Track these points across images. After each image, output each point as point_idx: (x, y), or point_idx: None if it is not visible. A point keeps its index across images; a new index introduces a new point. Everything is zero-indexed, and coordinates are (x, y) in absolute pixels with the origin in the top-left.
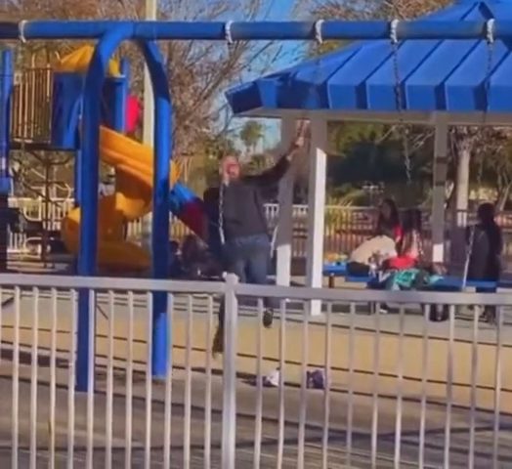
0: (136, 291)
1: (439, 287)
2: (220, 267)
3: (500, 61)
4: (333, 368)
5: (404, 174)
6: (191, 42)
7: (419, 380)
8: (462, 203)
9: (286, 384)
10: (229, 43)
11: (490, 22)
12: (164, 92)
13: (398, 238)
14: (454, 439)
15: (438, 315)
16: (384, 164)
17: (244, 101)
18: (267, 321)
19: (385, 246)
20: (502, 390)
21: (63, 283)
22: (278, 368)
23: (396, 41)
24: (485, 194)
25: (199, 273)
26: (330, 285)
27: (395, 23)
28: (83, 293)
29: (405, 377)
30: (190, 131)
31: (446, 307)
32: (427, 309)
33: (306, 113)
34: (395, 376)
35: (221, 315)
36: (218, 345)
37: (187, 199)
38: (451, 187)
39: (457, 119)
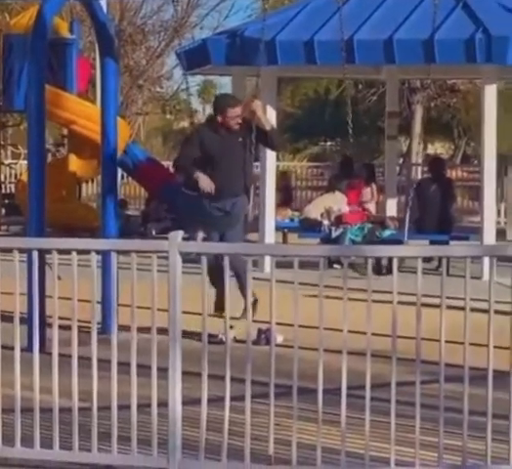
0: (80, 251)
1: (389, 241)
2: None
3: (448, 14)
4: (282, 324)
5: (359, 130)
6: (142, 1)
7: (365, 334)
8: (416, 157)
9: (238, 341)
10: (173, 1)
11: None
12: (110, 52)
13: (352, 193)
14: (401, 391)
15: (383, 268)
16: (340, 120)
17: (194, 59)
18: None
19: (337, 202)
20: (447, 342)
21: (4, 244)
22: (231, 327)
23: None
24: (442, 148)
25: (154, 233)
26: (284, 241)
27: None
28: (30, 254)
29: (350, 331)
30: (143, 90)
31: (390, 260)
32: (370, 262)
33: (256, 70)
34: (341, 331)
35: (211, 277)
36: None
37: (140, 159)
38: (408, 141)
39: (408, 73)
